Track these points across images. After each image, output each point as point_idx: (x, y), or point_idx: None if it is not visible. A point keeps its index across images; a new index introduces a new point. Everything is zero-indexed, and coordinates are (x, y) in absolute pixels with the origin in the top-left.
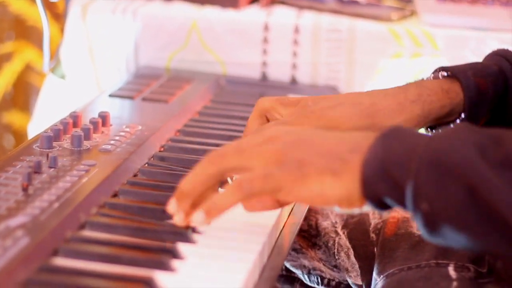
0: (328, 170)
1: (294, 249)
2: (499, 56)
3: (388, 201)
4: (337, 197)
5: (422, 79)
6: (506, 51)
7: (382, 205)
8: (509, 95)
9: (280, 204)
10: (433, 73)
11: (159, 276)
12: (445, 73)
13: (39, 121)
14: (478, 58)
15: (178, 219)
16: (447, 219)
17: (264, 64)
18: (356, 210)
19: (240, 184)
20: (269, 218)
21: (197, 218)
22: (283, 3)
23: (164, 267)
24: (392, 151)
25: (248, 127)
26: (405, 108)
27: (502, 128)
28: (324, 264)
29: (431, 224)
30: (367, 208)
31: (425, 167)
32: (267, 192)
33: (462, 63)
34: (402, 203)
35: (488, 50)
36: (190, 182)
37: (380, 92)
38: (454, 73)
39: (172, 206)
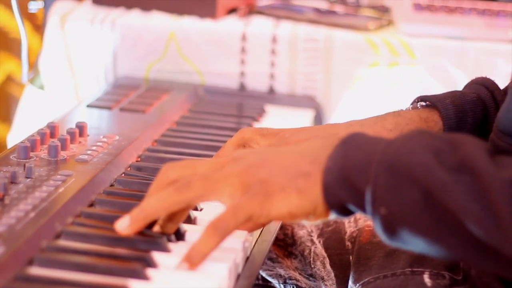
0: (292, 188)
1: (270, 258)
2: (478, 84)
3: (350, 207)
4: (305, 212)
5: (401, 109)
6: (485, 78)
7: (345, 212)
8: (488, 122)
9: None
10: (411, 103)
11: (133, 284)
12: (423, 103)
13: (19, 132)
14: (455, 67)
15: (123, 228)
16: (404, 222)
17: (242, 74)
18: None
19: (215, 227)
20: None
21: (183, 267)
22: (260, 13)
23: (139, 275)
24: (351, 157)
25: (223, 150)
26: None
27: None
28: (300, 273)
29: (389, 228)
30: (333, 216)
31: (383, 172)
32: (240, 224)
33: (440, 92)
34: (363, 208)
35: (465, 59)
36: (153, 205)
37: (357, 122)
38: (432, 102)
39: (124, 223)
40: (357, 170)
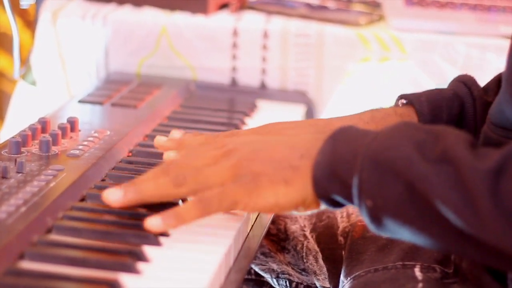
0: (280, 180)
1: (263, 253)
2: (458, 81)
3: (339, 199)
4: (292, 203)
5: (380, 107)
6: (466, 76)
7: (335, 203)
8: (465, 118)
9: None
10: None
11: (124, 278)
12: (404, 101)
13: (11, 128)
14: (446, 62)
15: (116, 199)
16: (389, 214)
17: (234, 69)
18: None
19: (200, 201)
20: (235, 221)
21: (153, 223)
22: (252, 8)
23: (130, 269)
24: (339, 151)
25: None
26: None
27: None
28: (292, 268)
29: (375, 219)
30: (324, 207)
31: (367, 165)
32: (224, 209)
33: (430, 69)
34: (351, 200)
35: (455, 54)
36: (150, 190)
37: (337, 116)
38: (409, 99)
39: (116, 196)
40: (344, 164)
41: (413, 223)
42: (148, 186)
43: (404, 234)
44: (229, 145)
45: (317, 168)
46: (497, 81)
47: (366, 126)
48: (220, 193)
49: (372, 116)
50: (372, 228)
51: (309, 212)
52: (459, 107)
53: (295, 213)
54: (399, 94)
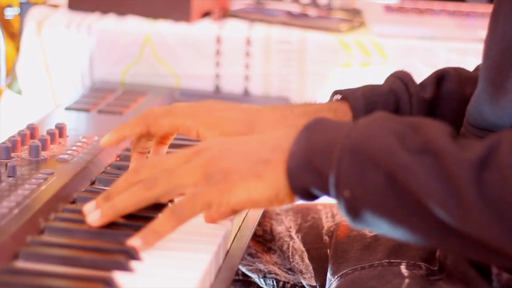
0: (251, 175)
1: (249, 254)
2: (395, 77)
3: (315, 191)
4: (266, 197)
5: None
6: (402, 72)
7: (310, 196)
8: (400, 113)
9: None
10: (329, 98)
11: (118, 276)
12: (339, 97)
13: None
14: (426, 66)
15: (95, 221)
16: (368, 205)
17: (217, 76)
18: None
19: (173, 211)
20: (223, 222)
21: (134, 244)
22: (234, 16)
23: (123, 267)
24: (314, 142)
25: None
26: (289, 120)
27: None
28: (279, 268)
29: (353, 211)
30: (300, 202)
31: (346, 155)
32: (199, 211)
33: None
34: (327, 192)
35: (435, 59)
36: (124, 202)
37: (271, 106)
38: (344, 94)
39: (94, 217)
40: (321, 154)
41: (392, 215)
42: (122, 199)
43: (381, 226)
44: (200, 145)
45: (292, 159)
46: (435, 78)
47: (297, 118)
48: (192, 198)
49: (304, 110)
50: (348, 220)
51: (285, 207)
52: (395, 103)
53: (277, 209)
54: (333, 90)
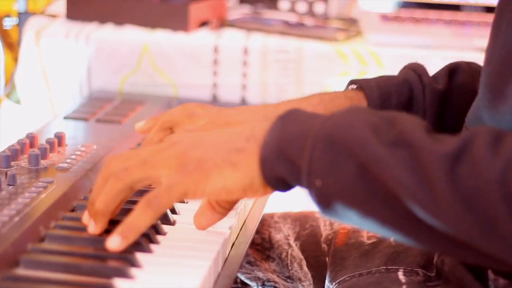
0: (226, 163)
1: (248, 262)
2: (408, 69)
3: (287, 180)
4: (240, 186)
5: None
6: (416, 64)
7: (282, 186)
8: (414, 103)
9: (222, 210)
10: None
11: (118, 283)
12: (354, 86)
13: None
14: None
15: (93, 230)
16: (339, 195)
17: (215, 85)
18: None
19: (149, 202)
20: (222, 229)
21: (113, 243)
22: (231, 25)
23: (123, 274)
24: (288, 131)
25: (151, 134)
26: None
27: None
28: (278, 276)
29: (324, 201)
30: (274, 194)
31: (320, 145)
32: (175, 201)
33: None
34: (299, 182)
35: (432, 68)
36: (103, 201)
37: (285, 101)
38: (359, 84)
39: (92, 228)
40: (294, 143)
41: (363, 206)
42: (101, 200)
43: (352, 217)
44: (173, 137)
45: (265, 148)
46: (447, 70)
47: (315, 109)
48: (167, 188)
49: (321, 99)
50: (320, 210)
51: (261, 198)
52: (409, 93)
53: (275, 216)
54: (350, 80)
